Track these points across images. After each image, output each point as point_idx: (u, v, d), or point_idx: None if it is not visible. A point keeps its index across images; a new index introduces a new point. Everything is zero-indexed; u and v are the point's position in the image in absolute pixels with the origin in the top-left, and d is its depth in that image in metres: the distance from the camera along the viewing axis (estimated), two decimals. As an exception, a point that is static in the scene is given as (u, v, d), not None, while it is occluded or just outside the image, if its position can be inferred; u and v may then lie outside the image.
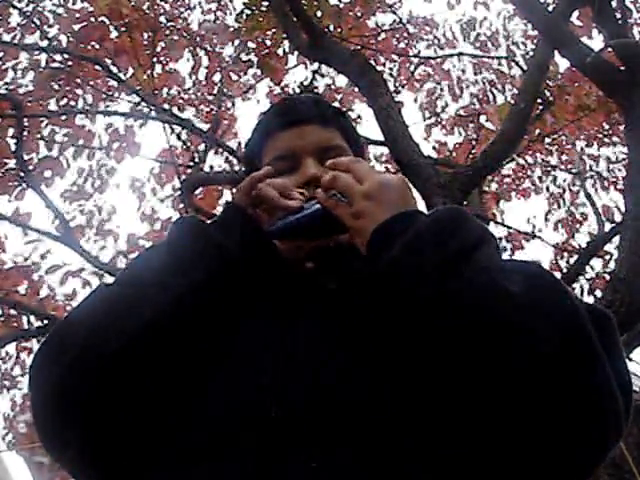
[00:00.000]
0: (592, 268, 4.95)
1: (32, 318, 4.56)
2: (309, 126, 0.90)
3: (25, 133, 4.23)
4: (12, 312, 4.69)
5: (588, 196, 5.81)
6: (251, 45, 4.89)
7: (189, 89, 5.48)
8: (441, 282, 0.62)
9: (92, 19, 4.62)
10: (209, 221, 0.79)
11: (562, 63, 4.67)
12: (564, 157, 6.18)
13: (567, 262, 5.38)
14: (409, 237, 0.66)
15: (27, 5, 4.57)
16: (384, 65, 5.51)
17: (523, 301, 0.61)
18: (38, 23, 4.49)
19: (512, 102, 3.75)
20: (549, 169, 6.27)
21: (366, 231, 0.71)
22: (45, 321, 4.29)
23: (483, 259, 0.65)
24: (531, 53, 3.89)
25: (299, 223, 0.77)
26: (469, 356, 0.59)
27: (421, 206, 0.77)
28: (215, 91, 5.41)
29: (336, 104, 5.47)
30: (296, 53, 4.67)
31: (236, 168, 4.79)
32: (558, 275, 4.21)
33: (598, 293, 4.48)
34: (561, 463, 0.60)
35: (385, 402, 0.63)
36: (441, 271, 0.63)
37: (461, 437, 0.61)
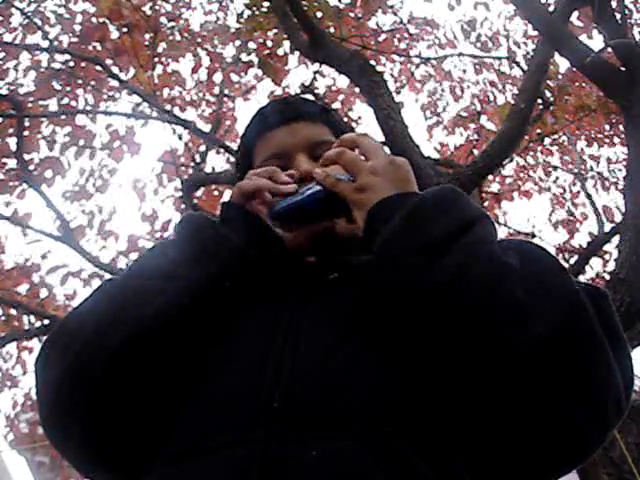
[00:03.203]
0: (592, 268, 4.96)
1: (33, 318, 4.57)
2: (298, 123, 0.91)
3: (26, 133, 4.23)
4: (12, 312, 4.70)
5: (588, 196, 5.81)
6: (252, 46, 4.89)
7: (190, 89, 5.49)
8: (442, 255, 0.62)
9: (93, 19, 4.63)
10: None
11: (562, 63, 4.68)
12: (565, 157, 6.18)
13: (567, 262, 5.38)
14: (407, 211, 0.66)
15: (28, 5, 4.57)
16: (385, 65, 5.52)
17: (523, 276, 0.61)
18: (39, 23, 4.49)
19: (512, 102, 3.75)
20: (550, 169, 6.27)
21: (368, 203, 0.70)
22: (46, 321, 4.30)
23: (482, 233, 0.65)
24: (531, 53, 3.89)
25: (299, 205, 0.77)
26: (471, 333, 0.59)
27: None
28: (216, 91, 5.42)
29: (337, 105, 5.49)
30: (297, 54, 4.67)
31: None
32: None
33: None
34: (561, 444, 0.60)
35: (387, 390, 0.63)
36: (441, 244, 0.63)
37: (465, 423, 0.61)
